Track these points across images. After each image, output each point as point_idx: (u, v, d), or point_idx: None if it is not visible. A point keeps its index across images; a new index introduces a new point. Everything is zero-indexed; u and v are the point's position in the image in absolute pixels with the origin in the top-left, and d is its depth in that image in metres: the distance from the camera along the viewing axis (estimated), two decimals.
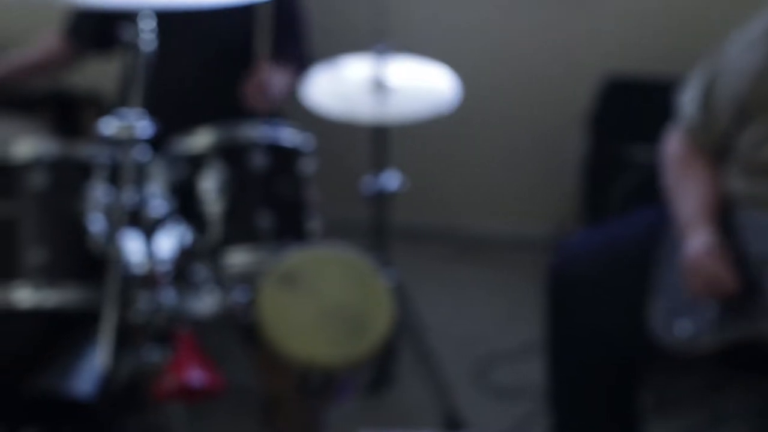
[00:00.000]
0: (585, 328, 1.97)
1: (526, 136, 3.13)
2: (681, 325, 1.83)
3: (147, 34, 1.84)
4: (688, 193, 1.91)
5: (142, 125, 1.84)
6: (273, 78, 2.25)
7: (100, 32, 2.41)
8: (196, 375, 1.80)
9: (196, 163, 2.00)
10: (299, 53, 2.50)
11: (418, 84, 2.34)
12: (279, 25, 2.43)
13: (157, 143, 1.95)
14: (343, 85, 2.33)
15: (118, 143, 1.86)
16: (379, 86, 2.29)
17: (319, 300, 1.84)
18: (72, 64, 2.58)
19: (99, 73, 2.85)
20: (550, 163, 3.12)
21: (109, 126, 1.85)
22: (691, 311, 1.83)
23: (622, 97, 2.81)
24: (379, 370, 2.46)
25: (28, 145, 1.93)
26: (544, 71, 3.03)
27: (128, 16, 1.85)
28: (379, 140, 2.39)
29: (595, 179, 2.79)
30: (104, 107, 3.07)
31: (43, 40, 2.51)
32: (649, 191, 2.19)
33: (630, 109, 2.77)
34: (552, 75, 3.02)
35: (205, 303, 1.94)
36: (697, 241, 1.83)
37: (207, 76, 2.45)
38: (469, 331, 2.79)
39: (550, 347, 2.06)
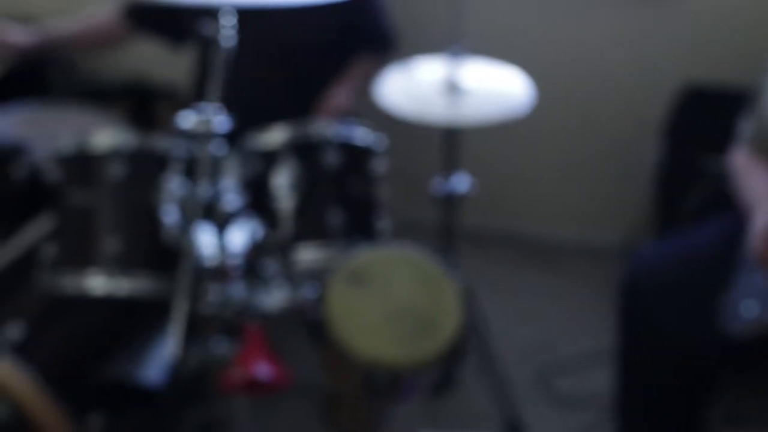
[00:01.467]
0: (658, 339, 1.95)
1: (598, 143, 3.10)
2: (747, 306, 1.82)
3: (227, 30, 1.86)
4: (753, 184, 1.97)
5: (219, 120, 1.86)
6: (340, 98, 2.39)
7: (159, 19, 2.44)
8: (262, 369, 1.81)
9: (269, 159, 2.01)
10: (379, 37, 2.56)
11: (492, 87, 2.33)
12: (355, 15, 2.45)
13: (232, 138, 1.96)
14: (417, 86, 2.33)
15: (195, 137, 1.88)
16: (452, 88, 2.28)
17: (387, 299, 1.84)
18: (122, 43, 2.60)
19: (174, 67, 2.89)
20: (621, 170, 3.09)
21: (186, 120, 1.87)
22: (758, 292, 1.82)
23: (698, 105, 2.77)
24: (443, 373, 2.46)
25: (107, 136, 1.96)
26: (619, 77, 3.00)
27: (208, 12, 1.87)
28: (450, 142, 2.39)
29: (668, 188, 2.75)
30: (179, 101, 3.12)
31: (99, 13, 2.54)
32: (723, 201, 2.16)
33: (707, 118, 2.73)
34: (628, 81, 2.99)
35: (274, 298, 1.95)
36: (764, 215, 1.85)
37: (284, 73, 2.48)
38: (533, 338, 2.77)
39: (621, 357, 2.04)
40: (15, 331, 1.93)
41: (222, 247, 1.90)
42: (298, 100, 2.47)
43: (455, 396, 2.51)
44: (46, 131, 2.32)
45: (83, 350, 2.07)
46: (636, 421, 2.05)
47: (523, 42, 2.99)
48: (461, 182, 2.40)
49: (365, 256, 1.90)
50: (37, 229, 2.13)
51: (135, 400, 2.07)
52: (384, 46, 2.60)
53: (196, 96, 2.50)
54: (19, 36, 2.46)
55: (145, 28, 2.51)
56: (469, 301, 2.34)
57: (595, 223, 3.19)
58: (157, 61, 3.04)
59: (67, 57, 3.27)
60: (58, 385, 1.91)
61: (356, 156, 2.06)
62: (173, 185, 1.93)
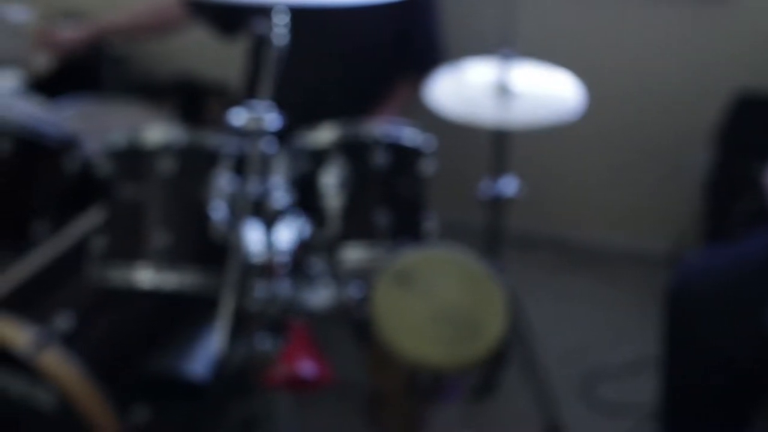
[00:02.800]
0: (704, 347, 1.93)
1: (648, 148, 3.07)
2: None
3: (280, 28, 1.86)
4: None
5: (270, 118, 1.87)
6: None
7: (215, 8, 2.49)
8: (306, 366, 1.82)
9: (318, 157, 2.02)
10: (428, 49, 2.56)
11: (542, 90, 2.32)
12: (409, 20, 2.46)
13: (282, 136, 1.97)
14: (467, 88, 2.32)
15: (245, 134, 1.88)
16: (502, 91, 2.28)
17: (433, 301, 1.84)
18: (177, 30, 2.67)
19: (225, 64, 2.92)
20: (671, 177, 3.06)
21: (237, 117, 1.88)
22: None
23: (752, 113, 2.74)
24: (486, 375, 2.46)
25: (158, 131, 1.97)
26: (672, 83, 2.97)
27: (261, 10, 1.88)
28: (499, 145, 2.38)
29: (718, 196, 2.72)
30: (229, 98, 3.15)
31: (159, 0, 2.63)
32: None
33: (760, 127, 2.69)
34: (680, 87, 2.96)
35: (320, 296, 1.95)
36: None
37: (335, 72, 2.49)
38: (577, 344, 2.76)
39: (666, 365, 2.02)
40: (64, 321, 1.95)
41: (269, 244, 1.91)
42: (348, 100, 2.48)
43: (497, 399, 2.50)
44: (98, 125, 2.34)
45: (130, 342, 2.10)
46: (680, 430, 2.03)
47: (574, 45, 2.97)
48: (509, 185, 2.39)
49: (412, 256, 1.90)
50: (87, 222, 2.16)
51: (180, 394, 2.09)
52: (429, 61, 2.60)
53: (247, 93, 2.52)
54: (68, 34, 2.50)
55: (201, 16, 2.55)
56: (514, 304, 2.34)
57: (644, 230, 3.16)
58: (208, 57, 3.07)
59: (119, 52, 3.31)
60: (104, 376, 1.93)
61: (405, 156, 2.06)
62: (223, 182, 1.94)
